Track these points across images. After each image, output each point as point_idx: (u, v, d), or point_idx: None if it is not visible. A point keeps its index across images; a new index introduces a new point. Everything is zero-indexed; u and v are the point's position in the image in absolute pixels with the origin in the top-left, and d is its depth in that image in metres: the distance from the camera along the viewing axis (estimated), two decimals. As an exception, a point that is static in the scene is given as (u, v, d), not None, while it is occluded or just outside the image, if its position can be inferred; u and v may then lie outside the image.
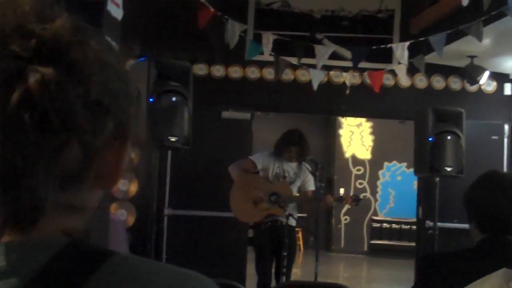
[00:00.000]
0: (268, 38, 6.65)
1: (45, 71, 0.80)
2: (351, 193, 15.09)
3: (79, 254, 0.86)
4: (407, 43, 6.65)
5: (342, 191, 15.42)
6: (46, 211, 0.83)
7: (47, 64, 0.81)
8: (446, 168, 6.62)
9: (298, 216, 7.01)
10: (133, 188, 7.42)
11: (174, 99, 5.23)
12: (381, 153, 15.58)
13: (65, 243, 0.85)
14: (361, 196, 15.04)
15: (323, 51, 6.87)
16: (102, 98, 0.85)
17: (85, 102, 0.83)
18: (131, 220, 7.54)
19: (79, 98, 0.83)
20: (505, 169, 8.21)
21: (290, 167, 6.80)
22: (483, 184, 2.54)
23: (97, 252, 0.87)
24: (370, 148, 15.81)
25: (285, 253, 6.33)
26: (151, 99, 5.03)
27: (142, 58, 5.05)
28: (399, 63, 6.96)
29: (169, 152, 7.43)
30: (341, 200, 7.02)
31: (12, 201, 0.81)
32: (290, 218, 6.36)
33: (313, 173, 6.59)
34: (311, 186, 6.75)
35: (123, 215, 7.44)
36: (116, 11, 3.87)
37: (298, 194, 6.85)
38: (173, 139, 5.18)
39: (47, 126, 0.81)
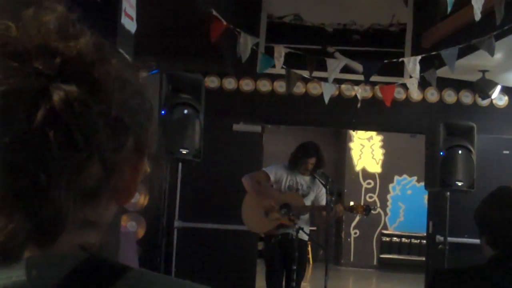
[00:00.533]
0: (280, 51, 6.66)
1: (69, 89, 0.81)
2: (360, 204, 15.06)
3: (96, 269, 0.86)
4: (419, 57, 6.64)
5: (352, 204, 15.35)
6: (66, 226, 0.83)
7: (70, 82, 0.82)
8: (457, 182, 6.60)
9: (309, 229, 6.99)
10: (144, 200, 7.43)
11: (186, 111, 5.25)
12: (391, 167, 15.54)
13: (82, 259, 0.85)
14: (372, 206, 15.02)
15: (335, 64, 6.87)
16: (122, 115, 0.86)
17: (107, 119, 0.84)
18: (141, 232, 7.54)
19: (102, 116, 0.83)
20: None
21: (304, 180, 6.78)
22: (494, 200, 2.53)
23: (113, 267, 0.87)
24: (380, 162, 15.76)
25: (294, 267, 6.30)
26: (163, 112, 5.05)
27: (155, 71, 5.07)
28: (411, 77, 6.95)
29: (180, 164, 7.44)
30: (351, 209, 6.99)
31: (34, 217, 0.82)
32: (301, 231, 6.34)
33: (324, 186, 6.58)
34: (323, 201, 6.71)
35: (133, 227, 7.45)
36: (130, 24, 3.88)
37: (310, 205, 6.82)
38: (184, 151, 5.19)
39: (71, 143, 0.81)
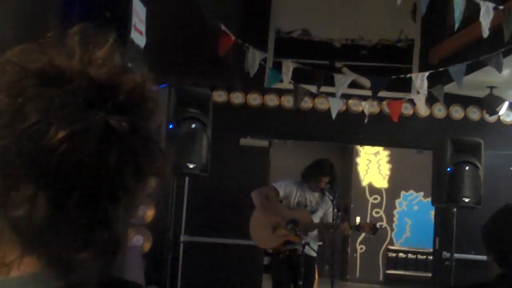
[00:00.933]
0: (288, 66, 6.68)
1: (130, 122, 0.84)
2: (368, 222, 15.01)
3: (109, 286, 0.87)
4: (426, 73, 6.65)
5: (358, 219, 15.30)
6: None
7: (127, 113, 0.84)
8: (464, 198, 6.58)
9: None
10: (150, 214, 7.43)
11: (193, 125, 5.25)
12: (398, 182, 15.49)
13: (99, 278, 0.86)
14: (378, 225, 14.99)
15: (343, 79, 6.89)
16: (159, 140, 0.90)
17: (159, 147, 0.88)
18: (147, 246, 7.53)
19: (157, 144, 0.88)
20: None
21: (313, 197, 6.77)
22: (501, 218, 2.52)
23: (126, 285, 0.88)
24: (387, 177, 15.73)
25: (301, 283, 6.28)
26: (170, 126, 5.06)
27: (163, 85, 5.09)
28: (418, 92, 6.95)
29: (187, 179, 7.45)
30: (358, 228, 6.95)
31: (102, 252, 0.85)
32: (307, 247, 6.32)
33: (331, 201, 6.55)
34: (331, 217, 6.69)
35: (139, 241, 7.44)
36: (139, 39, 3.91)
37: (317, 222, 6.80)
38: (191, 165, 5.19)
39: (141, 176, 0.86)
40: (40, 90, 0.81)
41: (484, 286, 2.48)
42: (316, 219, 6.75)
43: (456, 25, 5.31)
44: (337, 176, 6.75)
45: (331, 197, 6.50)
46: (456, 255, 6.73)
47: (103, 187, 0.82)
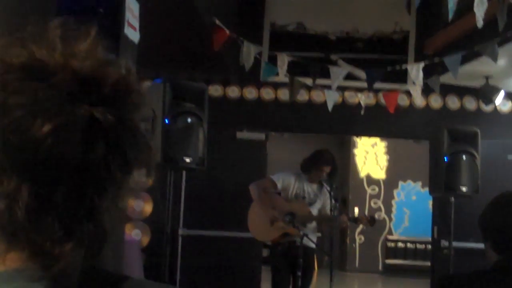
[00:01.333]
0: (283, 60, 6.68)
1: (118, 114, 0.84)
2: (366, 213, 15.06)
3: (94, 279, 0.88)
4: (422, 64, 6.65)
5: (356, 210, 15.37)
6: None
7: (113, 106, 0.85)
8: (461, 187, 6.59)
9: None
10: (148, 208, 7.45)
11: (189, 120, 5.26)
12: (395, 173, 15.53)
13: (81, 269, 0.87)
14: (376, 215, 15.01)
15: (338, 72, 6.88)
16: (145, 132, 0.90)
17: (144, 139, 0.89)
18: (145, 240, 7.56)
19: (143, 136, 0.88)
20: (521, 189, 8.17)
21: (311, 188, 6.77)
22: (498, 205, 2.54)
23: (112, 277, 0.89)
24: (384, 168, 15.76)
25: (299, 273, 6.30)
26: (166, 121, 5.06)
27: (158, 80, 5.10)
28: (414, 83, 6.96)
29: (184, 173, 7.46)
30: (356, 220, 6.97)
31: (85, 233, 0.85)
32: (306, 238, 6.33)
33: (329, 192, 6.56)
34: (329, 210, 6.70)
35: (137, 235, 7.46)
36: (133, 34, 3.91)
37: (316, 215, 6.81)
38: (188, 159, 5.19)
39: (128, 167, 0.86)
40: (23, 84, 0.81)
41: (483, 273, 2.50)
42: (314, 210, 6.76)
43: (450, 16, 5.30)
44: (337, 167, 6.76)
45: (328, 188, 6.50)
46: (455, 244, 6.75)
47: (89, 179, 0.83)
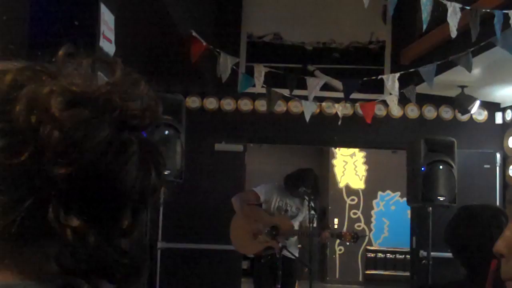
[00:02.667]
0: (260, 71, 6.69)
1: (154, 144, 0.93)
2: (346, 223, 15.09)
3: None
4: (397, 74, 6.69)
5: (336, 221, 15.38)
6: None
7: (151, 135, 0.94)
8: (438, 197, 6.64)
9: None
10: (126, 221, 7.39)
11: (166, 132, 5.25)
12: (374, 183, 15.57)
13: (60, 284, 0.86)
14: (356, 226, 15.03)
15: (315, 82, 6.90)
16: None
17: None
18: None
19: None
20: (497, 197, 8.23)
21: (293, 202, 6.78)
22: (459, 222, 2.54)
23: None
24: (363, 178, 15.79)
25: (279, 286, 6.28)
26: (143, 133, 5.04)
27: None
28: (391, 93, 7.00)
29: (162, 185, 7.41)
30: (339, 236, 6.96)
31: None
32: (285, 250, 6.33)
33: (308, 203, 6.55)
34: (308, 222, 6.70)
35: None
36: (108, 46, 3.90)
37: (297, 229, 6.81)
38: (165, 172, 5.18)
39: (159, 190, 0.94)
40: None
41: (457, 284, 2.51)
42: (296, 223, 6.77)
43: (424, 26, 5.35)
44: (319, 187, 6.78)
45: (306, 199, 6.51)
46: (433, 254, 6.78)
47: (144, 204, 0.91)
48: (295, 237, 6.83)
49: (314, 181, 6.72)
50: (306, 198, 6.54)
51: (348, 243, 7.65)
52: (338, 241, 15.15)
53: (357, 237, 6.81)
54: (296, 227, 6.75)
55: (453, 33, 5.40)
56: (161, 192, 0.94)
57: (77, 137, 0.82)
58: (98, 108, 0.85)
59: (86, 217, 0.84)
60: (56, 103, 0.83)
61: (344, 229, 15.11)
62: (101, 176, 0.84)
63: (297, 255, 6.75)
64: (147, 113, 0.91)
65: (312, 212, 6.38)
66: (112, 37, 3.98)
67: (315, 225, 6.49)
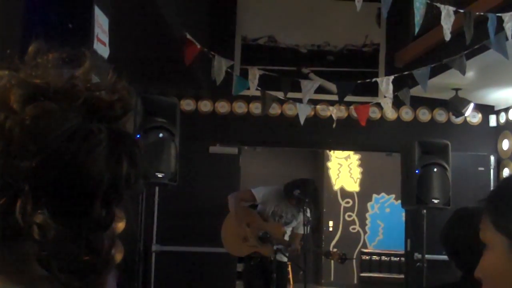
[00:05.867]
0: (254, 73, 6.69)
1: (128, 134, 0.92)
2: (340, 229, 15.10)
3: None
4: (391, 77, 6.70)
5: (331, 224, 15.39)
6: None
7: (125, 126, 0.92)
8: (433, 200, 6.65)
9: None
10: (121, 224, 7.38)
11: (161, 135, 5.25)
12: (369, 185, 15.58)
13: None
14: (350, 229, 15.03)
15: (309, 85, 6.91)
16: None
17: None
18: (119, 256, 7.48)
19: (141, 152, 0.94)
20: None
21: (289, 209, 6.77)
22: (454, 224, 2.55)
23: None
24: (358, 181, 15.80)
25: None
26: (138, 136, 5.04)
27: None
28: (385, 96, 7.01)
29: (156, 188, 7.43)
30: (327, 255, 6.94)
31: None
32: (279, 253, 6.33)
33: (303, 211, 6.52)
34: (300, 229, 6.70)
35: (110, 252, 7.39)
36: (102, 50, 3.89)
37: (289, 236, 6.81)
38: (160, 175, 5.19)
39: (137, 180, 0.92)
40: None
41: (451, 286, 2.51)
42: (289, 229, 6.78)
43: (417, 30, 5.36)
44: (319, 200, 6.77)
45: (305, 209, 6.46)
46: (427, 256, 6.80)
47: (115, 194, 0.89)
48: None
49: (314, 192, 6.72)
50: (304, 207, 6.52)
51: (336, 263, 7.65)
52: (333, 243, 15.19)
53: (345, 258, 6.74)
54: (288, 232, 6.75)
55: (447, 36, 5.42)
56: (141, 184, 0.93)
57: (39, 129, 0.82)
58: (62, 99, 0.85)
59: (55, 211, 0.82)
60: (16, 97, 0.83)
61: (339, 232, 15.14)
62: (66, 167, 0.82)
63: (288, 257, 6.74)
64: (118, 104, 0.90)
65: (307, 216, 6.37)
66: (106, 40, 3.97)
67: (308, 231, 6.49)
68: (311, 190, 6.71)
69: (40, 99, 0.84)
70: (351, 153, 15.49)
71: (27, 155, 0.81)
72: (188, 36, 6.17)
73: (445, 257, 2.57)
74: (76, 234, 0.84)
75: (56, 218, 0.82)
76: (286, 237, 6.79)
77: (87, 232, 0.85)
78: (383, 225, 15.59)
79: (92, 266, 0.86)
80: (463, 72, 6.06)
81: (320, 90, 7.46)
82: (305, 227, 6.40)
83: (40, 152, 0.82)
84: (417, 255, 7.54)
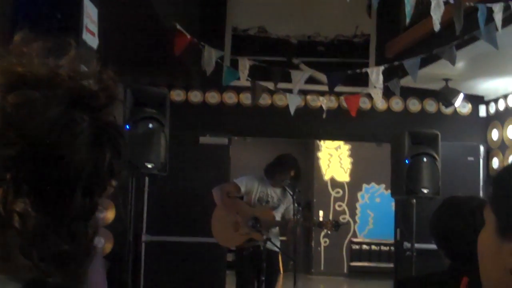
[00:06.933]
0: (244, 64, 6.68)
1: (112, 123, 0.91)
2: (331, 216, 15.12)
3: None
4: (381, 67, 6.71)
5: (321, 213, 15.44)
6: None
7: (109, 116, 0.91)
8: (422, 189, 6.68)
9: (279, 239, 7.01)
10: (110, 215, 7.37)
11: (150, 125, 5.25)
12: (359, 175, 15.62)
13: (27, 281, 0.86)
14: (341, 218, 15.07)
15: (300, 76, 6.90)
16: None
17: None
18: (108, 247, 7.48)
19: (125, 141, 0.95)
20: (481, 189, 8.28)
21: (274, 193, 6.76)
22: (443, 213, 2.55)
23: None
24: (348, 171, 15.85)
25: (263, 278, 6.29)
26: (127, 126, 5.04)
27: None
28: (375, 86, 7.01)
29: (146, 178, 7.42)
30: (320, 225, 6.96)
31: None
32: (269, 242, 6.33)
33: (292, 196, 6.54)
34: (290, 214, 6.69)
35: (100, 243, 7.38)
36: (91, 40, 3.88)
37: (279, 220, 6.80)
38: (149, 165, 5.19)
39: (120, 170, 0.92)
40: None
41: (436, 276, 2.52)
42: (277, 215, 6.75)
43: (408, 20, 5.38)
44: (301, 170, 6.77)
45: (291, 193, 6.49)
46: (417, 245, 6.83)
47: (97, 183, 0.89)
48: (277, 229, 6.82)
49: (295, 162, 6.70)
50: (289, 190, 6.53)
51: (329, 232, 7.65)
52: (323, 233, 15.23)
53: (338, 225, 6.77)
54: (278, 218, 6.75)
55: (436, 27, 5.42)
56: (125, 174, 0.93)
57: (20, 117, 0.82)
58: (45, 87, 0.85)
59: (36, 200, 0.82)
60: None
61: (323, 236, 15.20)
62: (47, 156, 0.82)
63: (279, 246, 6.75)
64: (103, 93, 0.89)
65: (295, 205, 6.38)
66: (96, 30, 3.96)
67: (298, 217, 6.49)
68: (292, 163, 6.69)
69: (22, 88, 0.84)
70: (341, 143, 15.53)
71: (8, 144, 0.81)
72: (178, 27, 6.15)
73: (434, 246, 2.58)
74: (57, 223, 0.84)
75: (37, 207, 0.82)
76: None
77: (69, 221, 0.85)
78: (373, 214, 15.65)
79: (73, 256, 0.86)
80: (453, 62, 6.07)
81: (311, 80, 7.47)
82: (295, 216, 6.40)
83: (21, 140, 0.81)
84: (407, 244, 7.56)
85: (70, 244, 0.85)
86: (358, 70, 6.92)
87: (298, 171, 6.67)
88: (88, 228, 0.89)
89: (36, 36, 0.91)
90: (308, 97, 8.07)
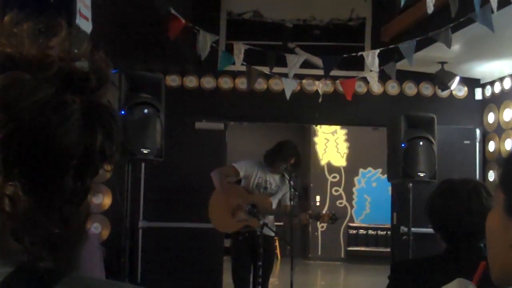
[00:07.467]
0: (240, 48, 6.66)
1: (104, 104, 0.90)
2: (327, 204, 15.17)
3: (31, 275, 0.86)
4: (377, 51, 6.69)
5: (318, 198, 15.47)
6: None
7: (101, 98, 0.91)
8: (419, 173, 6.67)
9: (275, 225, 7.01)
10: (107, 201, 7.38)
11: (146, 111, 5.22)
12: (356, 160, 15.65)
13: (18, 265, 0.85)
14: (337, 203, 15.10)
15: (295, 60, 6.89)
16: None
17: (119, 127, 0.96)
18: (105, 233, 7.49)
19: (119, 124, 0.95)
20: (477, 173, 8.29)
21: (273, 179, 6.75)
22: (439, 196, 2.55)
23: (49, 273, 0.87)
24: (345, 155, 15.87)
25: (260, 263, 6.30)
26: (122, 112, 5.01)
27: (113, 71, 5.03)
28: (371, 70, 7.00)
29: (143, 164, 7.41)
30: (318, 218, 6.95)
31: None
32: (266, 228, 6.34)
33: (288, 182, 6.53)
34: (288, 200, 6.69)
35: (97, 229, 7.39)
36: (85, 24, 3.85)
37: (276, 207, 6.80)
38: (145, 151, 5.17)
39: (113, 154, 0.92)
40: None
41: (432, 260, 2.52)
42: (275, 200, 6.76)
43: (402, 3, 5.35)
44: (301, 157, 6.77)
45: (288, 178, 6.48)
46: (414, 229, 6.84)
47: (88, 166, 0.88)
48: (272, 216, 6.84)
49: (295, 151, 6.68)
50: (286, 175, 6.53)
51: (326, 224, 7.67)
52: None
53: (335, 218, 6.79)
54: (274, 204, 6.75)
55: (430, 9, 5.40)
56: (118, 157, 0.92)
57: (10, 98, 0.80)
58: (35, 68, 0.84)
59: (26, 183, 0.81)
60: None
61: (326, 207, 15.22)
62: (37, 138, 0.81)
63: (274, 231, 6.75)
64: (94, 75, 0.88)
65: (293, 190, 6.37)
66: (89, 15, 3.93)
67: (295, 203, 6.48)
68: (292, 149, 6.67)
69: (11, 69, 0.82)
70: (338, 128, 15.53)
71: None
72: (172, 11, 6.12)
73: (431, 230, 2.58)
74: (48, 207, 0.83)
75: (28, 190, 0.81)
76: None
77: (60, 204, 0.84)
78: (369, 199, 15.69)
79: (65, 239, 0.85)
80: (448, 45, 6.06)
81: (306, 64, 7.45)
82: (291, 202, 6.40)
83: (11, 122, 0.80)
84: (403, 229, 7.59)
85: (61, 228, 0.84)
86: (353, 54, 6.90)
87: (298, 159, 6.66)
88: (80, 212, 0.87)
89: (27, 17, 0.89)
90: (304, 81, 8.05)
